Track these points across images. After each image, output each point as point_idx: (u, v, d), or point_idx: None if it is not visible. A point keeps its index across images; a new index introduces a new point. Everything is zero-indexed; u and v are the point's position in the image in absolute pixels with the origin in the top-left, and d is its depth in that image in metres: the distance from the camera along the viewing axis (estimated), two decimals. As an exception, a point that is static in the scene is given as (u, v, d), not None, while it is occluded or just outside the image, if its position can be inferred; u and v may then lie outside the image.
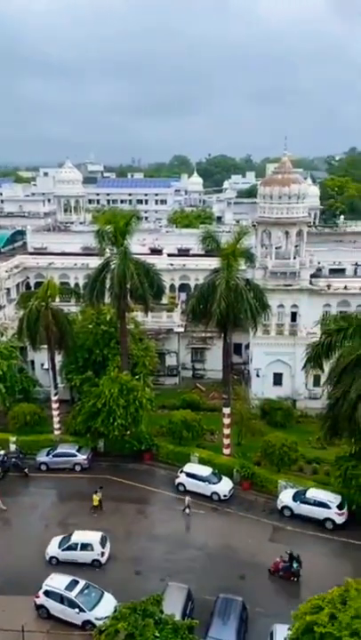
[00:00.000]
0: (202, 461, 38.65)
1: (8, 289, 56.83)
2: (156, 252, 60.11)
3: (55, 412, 42.90)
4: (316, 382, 46.41)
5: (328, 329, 35.07)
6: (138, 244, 49.56)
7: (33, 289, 57.20)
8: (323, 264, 54.14)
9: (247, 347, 53.39)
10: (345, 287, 51.10)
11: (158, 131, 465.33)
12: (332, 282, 51.46)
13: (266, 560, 29.88)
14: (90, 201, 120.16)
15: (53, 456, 39.81)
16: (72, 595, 26.36)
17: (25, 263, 60.99)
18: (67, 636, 25.87)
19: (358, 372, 31.08)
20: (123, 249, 39.93)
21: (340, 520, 33.25)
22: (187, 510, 34.43)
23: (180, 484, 36.99)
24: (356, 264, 55.73)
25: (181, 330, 53.62)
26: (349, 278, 53.37)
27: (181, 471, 37.58)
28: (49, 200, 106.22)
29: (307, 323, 47.62)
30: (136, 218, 42.04)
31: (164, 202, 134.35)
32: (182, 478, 37.05)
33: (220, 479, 36.92)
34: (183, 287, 59.12)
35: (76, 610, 26.02)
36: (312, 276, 50.72)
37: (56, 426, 42.91)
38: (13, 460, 39.39)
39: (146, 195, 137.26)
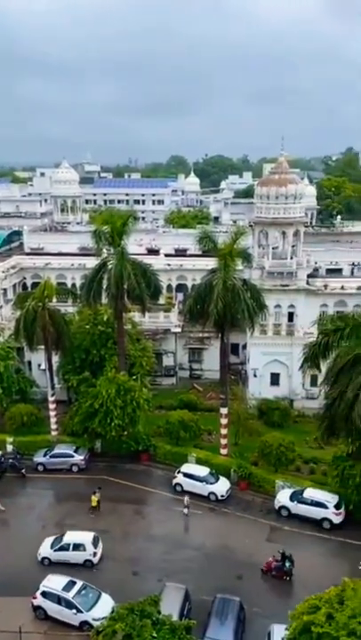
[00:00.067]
0: (199, 461, 38.67)
1: (5, 289, 56.68)
2: (153, 252, 59.99)
3: (52, 413, 42.90)
4: (314, 382, 46.38)
5: (325, 329, 35.05)
6: (135, 245, 49.40)
7: (30, 289, 57.09)
8: (320, 264, 54.24)
9: (244, 347, 53.39)
10: (342, 287, 51.33)
11: (158, 131, 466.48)
12: (329, 282, 51.68)
13: (263, 560, 29.87)
14: (87, 201, 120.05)
15: (51, 457, 39.76)
16: (69, 595, 26.34)
17: (22, 263, 60.80)
18: (64, 637, 25.85)
19: (355, 372, 31.05)
20: (120, 249, 39.94)
21: (337, 520, 33.32)
22: (185, 510, 34.42)
23: (177, 484, 36.99)
24: (353, 264, 55.80)
25: (179, 330, 53.63)
26: (346, 278, 53.49)
27: (179, 471, 37.58)
28: (46, 200, 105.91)
29: (304, 323, 47.77)
30: (133, 218, 42.04)
31: (161, 202, 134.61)
32: (180, 478, 37.06)
33: (217, 479, 36.94)
34: (180, 287, 59.04)
35: (74, 611, 26.00)
36: (309, 276, 50.87)
37: (53, 426, 42.89)
38: (10, 460, 39.33)
39: (143, 195, 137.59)
